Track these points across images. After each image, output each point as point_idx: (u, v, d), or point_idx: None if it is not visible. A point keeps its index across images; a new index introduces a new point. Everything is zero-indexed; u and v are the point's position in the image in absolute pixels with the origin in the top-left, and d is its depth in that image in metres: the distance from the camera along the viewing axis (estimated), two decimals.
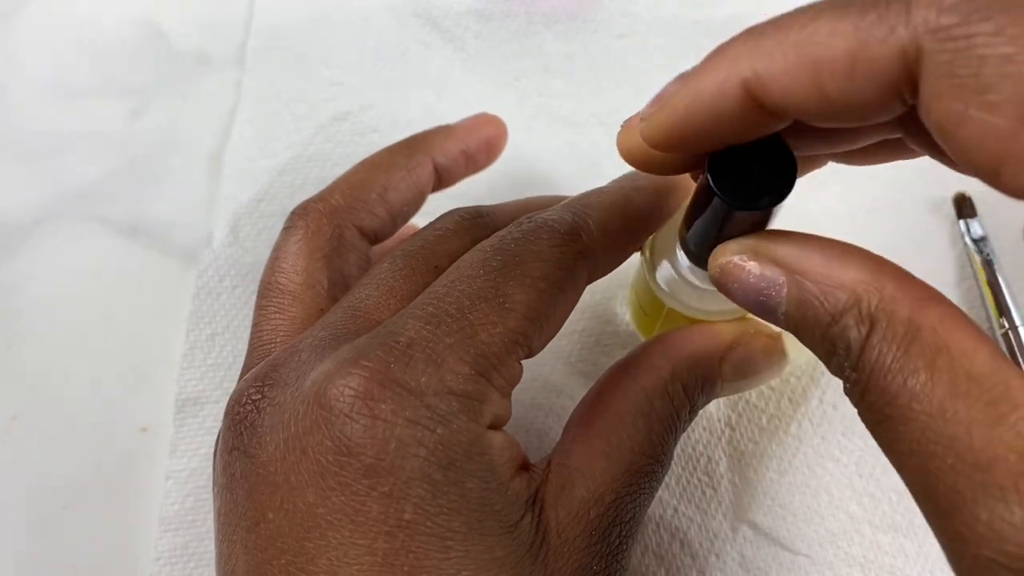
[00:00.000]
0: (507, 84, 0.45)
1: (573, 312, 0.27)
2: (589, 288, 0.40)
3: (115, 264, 0.41)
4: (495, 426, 0.23)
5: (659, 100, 0.21)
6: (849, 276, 0.19)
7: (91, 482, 0.37)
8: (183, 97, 0.45)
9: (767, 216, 0.22)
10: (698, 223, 0.23)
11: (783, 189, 0.20)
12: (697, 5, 0.46)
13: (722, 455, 0.37)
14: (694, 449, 0.37)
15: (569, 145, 0.44)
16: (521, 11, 0.46)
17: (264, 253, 0.41)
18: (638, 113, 0.22)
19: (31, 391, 0.39)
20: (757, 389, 0.38)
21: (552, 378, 0.38)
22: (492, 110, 0.45)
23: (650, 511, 0.36)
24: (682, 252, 0.28)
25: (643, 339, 0.38)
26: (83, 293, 0.41)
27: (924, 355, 0.17)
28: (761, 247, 0.20)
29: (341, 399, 0.21)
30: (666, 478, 0.37)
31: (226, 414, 0.24)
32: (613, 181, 0.28)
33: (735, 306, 0.32)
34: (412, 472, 0.20)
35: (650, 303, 0.34)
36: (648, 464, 0.24)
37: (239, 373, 0.27)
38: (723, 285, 0.22)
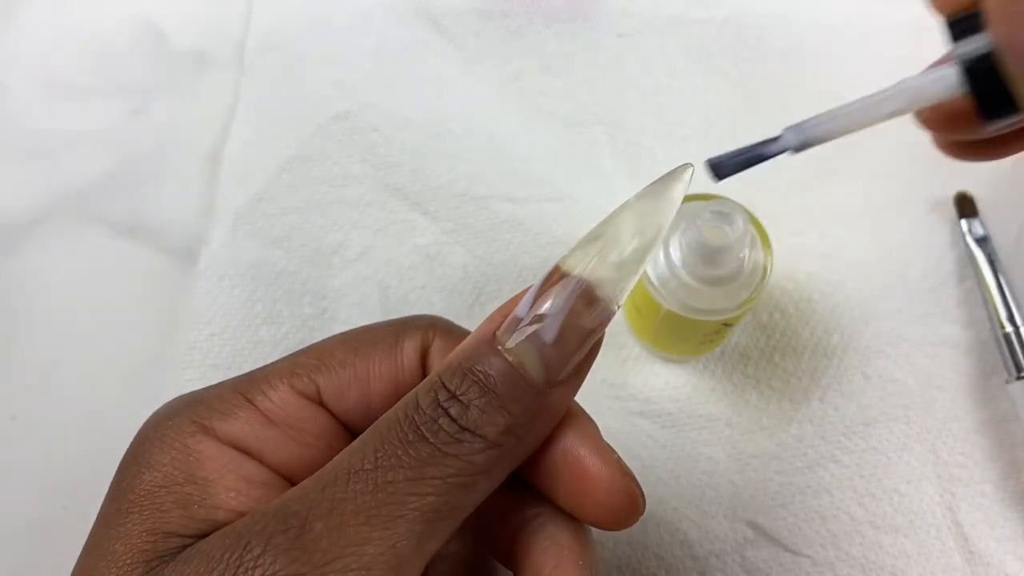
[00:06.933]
0: (507, 84, 0.45)
1: None
2: None
3: (114, 264, 0.41)
4: (233, 442, 0.22)
5: None
6: None
7: (91, 482, 0.37)
8: (182, 97, 0.45)
9: None
10: None
11: None
12: (697, 5, 0.45)
13: (722, 455, 0.37)
14: (694, 449, 0.37)
15: (569, 144, 0.44)
16: (521, 10, 0.46)
17: (263, 253, 0.41)
18: None
19: (31, 391, 0.39)
20: (757, 389, 0.38)
21: None
22: (492, 109, 0.45)
23: (650, 511, 0.36)
24: None
25: (637, 339, 0.38)
26: (82, 293, 0.41)
27: None
28: None
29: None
30: (666, 477, 0.37)
31: None
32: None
33: (735, 304, 0.32)
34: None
35: (645, 302, 0.34)
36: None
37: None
38: None
